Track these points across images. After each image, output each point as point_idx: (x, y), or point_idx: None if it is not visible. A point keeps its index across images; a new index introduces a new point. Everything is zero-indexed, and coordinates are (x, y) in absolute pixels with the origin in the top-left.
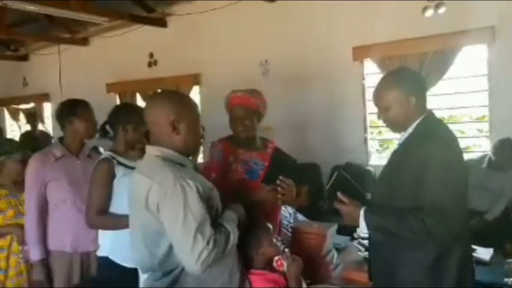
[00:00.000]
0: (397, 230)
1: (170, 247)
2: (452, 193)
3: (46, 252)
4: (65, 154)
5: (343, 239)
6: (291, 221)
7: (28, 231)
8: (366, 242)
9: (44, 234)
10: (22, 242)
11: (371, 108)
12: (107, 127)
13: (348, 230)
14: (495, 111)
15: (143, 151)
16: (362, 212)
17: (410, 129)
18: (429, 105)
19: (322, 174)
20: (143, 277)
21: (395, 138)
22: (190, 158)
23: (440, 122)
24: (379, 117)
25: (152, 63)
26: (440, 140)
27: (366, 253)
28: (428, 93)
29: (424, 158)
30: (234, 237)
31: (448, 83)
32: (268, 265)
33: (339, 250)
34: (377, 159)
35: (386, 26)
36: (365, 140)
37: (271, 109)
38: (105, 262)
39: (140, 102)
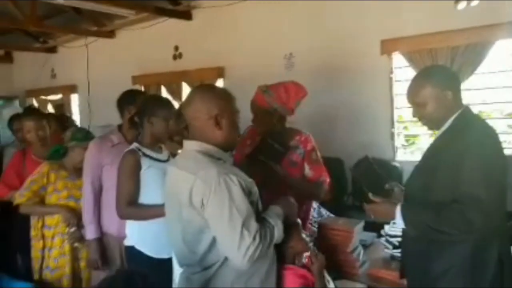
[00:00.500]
0: (435, 223)
1: (212, 244)
2: (491, 184)
3: (101, 232)
4: (121, 142)
5: (369, 236)
6: (315, 215)
7: (85, 211)
8: (393, 239)
9: (99, 215)
10: (69, 224)
11: (399, 102)
12: (136, 118)
13: (374, 227)
14: None
15: (180, 144)
16: (398, 208)
17: (446, 124)
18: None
19: (346, 169)
20: (178, 271)
21: (422, 134)
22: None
23: (477, 117)
24: (414, 115)
25: (177, 56)
26: (478, 133)
27: (394, 250)
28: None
29: (462, 150)
30: (278, 232)
31: (479, 78)
32: (296, 261)
33: (365, 247)
34: (403, 154)
35: (415, 19)
36: (392, 135)
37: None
38: (132, 252)
39: (165, 94)
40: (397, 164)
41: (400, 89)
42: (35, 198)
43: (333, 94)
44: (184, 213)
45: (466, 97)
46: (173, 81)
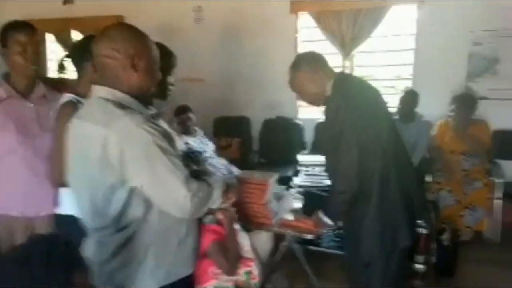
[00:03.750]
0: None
1: (126, 202)
2: (354, 148)
3: None
4: (11, 95)
5: (280, 188)
6: (225, 172)
7: None
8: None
9: None
10: None
11: None
12: (72, 62)
13: (284, 179)
14: (418, 71)
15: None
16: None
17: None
18: (358, 62)
19: (252, 128)
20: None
21: None
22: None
23: (346, 81)
24: (299, 99)
25: (67, 1)
26: (345, 102)
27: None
28: (358, 50)
29: (335, 121)
30: (217, 195)
31: (375, 41)
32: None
33: (278, 198)
34: (305, 113)
35: None
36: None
37: (203, 59)
38: (68, 220)
39: (54, 44)
40: (299, 122)
41: (304, 50)
42: None
43: (241, 51)
44: (94, 172)
45: (364, 60)
46: (62, 29)
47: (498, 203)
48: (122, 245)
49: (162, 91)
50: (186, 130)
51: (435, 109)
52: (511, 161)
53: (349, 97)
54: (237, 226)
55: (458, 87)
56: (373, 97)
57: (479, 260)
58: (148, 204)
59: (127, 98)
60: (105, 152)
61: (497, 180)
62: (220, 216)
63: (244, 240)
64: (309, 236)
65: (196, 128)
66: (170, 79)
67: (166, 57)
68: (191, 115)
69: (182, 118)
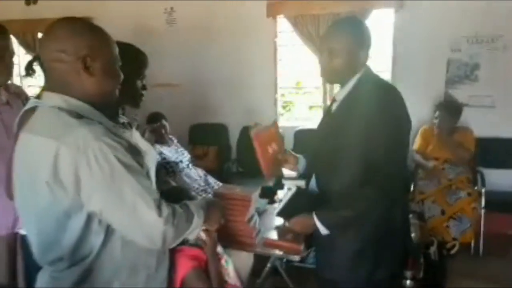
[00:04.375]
0: (353, 218)
1: (84, 230)
2: (399, 158)
3: None
4: None
5: (262, 203)
6: (202, 183)
7: None
8: None
9: None
10: None
11: (282, 67)
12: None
13: (266, 192)
14: (397, 76)
15: None
16: (315, 216)
17: (350, 83)
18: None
19: (230, 136)
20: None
21: (298, 101)
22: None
23: (379, 78)
24: (322, 63)
25: (30, 1)
26: (384, 101)
27: None
28: None
29: (370, 120)
30: (198, 221)
31: None
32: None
33: (259, 214)
34: (284, 121)
35: None
36: (275, 101)
37: (177, 63)
38: None
39: (16, 46)
40: (280, 130)
41: (284, 55)
42: None
43: (217, 55)
44: (43, 193)
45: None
46: (25, 31)
47: (480, 212)
48: (80, 280)
49: (133, 97)
50: (160, 139)
51: (414, 115)
52: (491, 169)
53: (389, 113)
54: (219, 249)
55: (438, 94)
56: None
57: (465, 273)
58: (109, 231)
59: (84, 106)
60: (56, 171)
61: (478, 189)
62: (202, 237)
63: (227, 265)
64: (296, 258)
65: (171, 136)
66: (142, 82)
67: (136, 58)
68: (165, 123)
69: (155, 126)
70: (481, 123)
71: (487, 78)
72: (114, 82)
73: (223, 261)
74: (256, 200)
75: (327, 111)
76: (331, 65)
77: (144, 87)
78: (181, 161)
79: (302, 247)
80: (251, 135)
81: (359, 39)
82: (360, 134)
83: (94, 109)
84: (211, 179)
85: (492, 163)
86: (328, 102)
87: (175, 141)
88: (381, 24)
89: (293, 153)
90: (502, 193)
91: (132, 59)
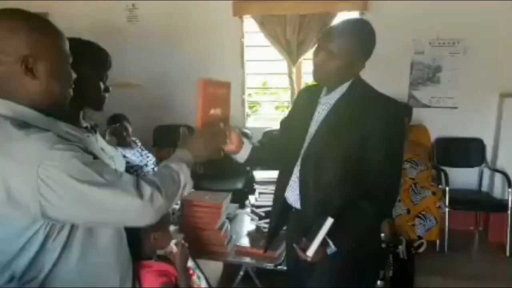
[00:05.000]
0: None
1: (40, 249)
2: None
3: None
4: None
5: (232, 208)
6: None
7: None
8: (259, 210)
9: None
10: None
11: (250, 68)
12: None
13: (235, 194)
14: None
15: None
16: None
17: (342, 88)
18: (305, 69)
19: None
20: None
21: (264, 101)
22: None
23: (372, 88)
24: (316, 60)
25: None
26: (389, 111)
27: (260, 221)
28: (305, 57)
29: (374, 130)
30: (185, 177)
31: None
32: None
33: (229, 219)
34: (252, 121)
35: None
36: (243, 101)
37: (139, 62)
38: None
39: None
40: (247, 131)
41: (250, 55)
42: None
43: (181, 54)
44: None
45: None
46: None
47: (445, 210)
48: None
49: (95, 99)
50: (122, 142)
51: None
52: (454, 168)
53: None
54: (190, 263)
55: (402, 95)
56: None
57: (432, 269)
58: (66, 246)
59: (30, 113)
60: (9, 190)
61: (441, 187)
62: (173, 250)
63: (200, 281)
64: (270, 265)
65: (134, 139)
66: (104, 84)
67: (98, 57)
68: (127, 124)
69: (115, 127)
70: (443, 124)
71: (449, 80)
72: (63, 84)
73: (194, 277)
74: (227, 207)
75: (307, 112)
76: (326, 68)
77: (106, 89)
78: (145, 165)
79: (277, 254)
80: (198, 85)
81: (363, 48)
82: (369, 147)
83: (44, 115)
84: None
85: (454, 162)
86: None
87: (139, 143)
88: None
89: (240, 133)
90: (463, 190)
91: (94, 58)
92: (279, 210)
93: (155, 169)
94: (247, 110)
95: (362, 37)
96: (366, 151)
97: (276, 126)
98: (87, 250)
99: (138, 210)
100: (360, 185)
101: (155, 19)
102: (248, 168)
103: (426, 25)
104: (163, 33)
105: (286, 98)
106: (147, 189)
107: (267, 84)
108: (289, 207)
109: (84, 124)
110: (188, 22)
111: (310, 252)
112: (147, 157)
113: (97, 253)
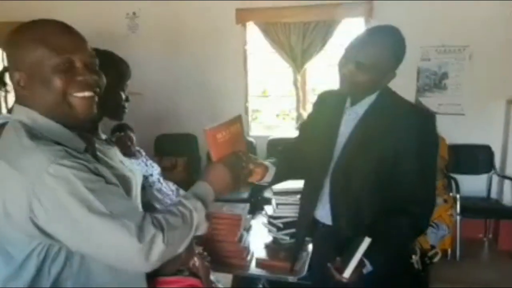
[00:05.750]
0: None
1: (36, 272)
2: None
3: None
4: None
5: (248, 219)
6: (174, 198)
7: None
8: (277, 221)
9: None
10: None
11: (253, 75)
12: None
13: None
14: None
15: None
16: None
17: (370, 99)
18: (310, 76)
19: (200, 146)
20: None
21: (265, 109)
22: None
23: (401, 98)
24: (345, 71)
25: None
26: (424, 125)
27: (278, 233)
28: (310, 63)
29: (411, 145)
30: (199, 217)
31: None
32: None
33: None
34: (254, 129)
35: None
36: (246, 109)
37: (141, 71)
38: None
39: None
40: (251, 139)
41: (253, 62)
42: None
43: (183, 63)
44: None
45: (320, 74)
46: None
47: (456, 218)
48: None
49: (115, 109)
50: (126, 152)
51: None
52: (462, 175)
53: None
54: (212, 277)
55: None
56: None
57: (445, 278)
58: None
59: (45, 124)
60: (3, 197)
61: (452, 195)
62: (195, 263)
63: None
64: (290, 279)
65: (138, 148)
66: (124, 93)
67: (118, 68)
68: (131, 134)
69: (120, 135)
70: (451, 131)
71: (455, 87)
72: (56, 96)
73: None
74: (246, 218)
75: (332, 122)
76: (355, 79)
77: (127, 99)
78: (151, 175)
79: (298, 267)
80: (206, 135)
81: (395, 59)
82: (402, 160)
83: (62, 126)
84: (183, 193)
85: (462, 169)
86: (301, 111)
87: (143, 153)
88: (351, 34)
89: (262, 161)
90: (472, 198)
91: (113, 69)
92: (307, 226)
93: (161, 179)
94: (250, 118)
95: (393, 46)
96: (400, 164)
97: (278, 134)
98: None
99: (131, 254)
100: (394, 199)
101: (156, 27)
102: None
103: (431, 32)
104: (164, 41)
105: (286, 106)
106: (150, 231)
107: (267, 92)
108: (316, 221)
109: (103, 136)
110: (190, 29)
111: (347, 273)
112: (152, 167)
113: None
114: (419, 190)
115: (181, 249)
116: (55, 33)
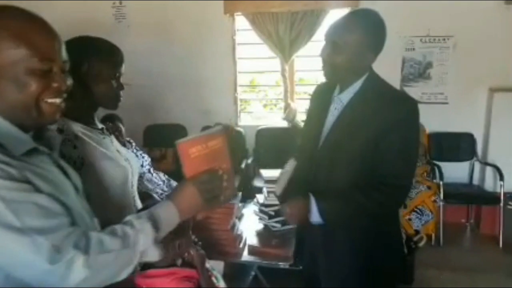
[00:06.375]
0: (362, 208)
1: None
2: (414, 163)
3: None
4: None
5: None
6: (165, 188)
7: None
8: (269, 209)
9: None
10: None
11: (241, 66)
12: None
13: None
14: None
15: None
16: (313, 202)
17: (356, 86)
18: (298, 66)
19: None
20: None
21: (253, 99)
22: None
23: (387, 83)
24: (323, 56)
25: None
26: (404, 106)
27: (270, 221)
28: (298, 53)
29: (394, 125)
30: (144, 239)
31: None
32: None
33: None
34: (247, 120)
35: None
36: (235, 99)
37: (129, 61)
38: None
39: None
40: (240, 129)
41: (241, 52)
42: None
43: (172, 53)
44: None
45: (303, 64)
46: None
47: (440, 204)
48: None
49: (110, 98)
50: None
51: None
52: (445, 162)
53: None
54: (208, 265)
55: None
56: None
57: (430, 263)
58: None
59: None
60: None
61: (436, 182)
62: (190, 252)
63: (218, 281)
64: (282, 265)
65: (128, 139)
66: (118, 81)
67: (109, 53)
68: (120, 124)
69: (108, 126)
70: (434, 119)
71: (439, 76)
72: (24, 95)
73: (213, 279)
74: (238, 207)
75: (320, 113)
76: (332, 62)
77: (121, 86)
78: (141, 165)
79: (291, 252)
80: (177, 148)
81: (370, 39)
82: (383, 145)
83: (10, 124)
84: (175, 183)
85: (445, 157)
86: (289, 101)
87: (134, 144)
88: None
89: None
90: (455, 184)
91: (106, 56)
92: None
93: (151, 170)
94: (239, 108)
95: (368, 26)
96: (380, 149)
97: (267, 124)
98: None
99: (43, 275)
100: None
101: (143, 16)
102: (242, 167)
103: (417, 22)
104: (152, 31)
105: (273, 96)
106: (68, 253)
107: (255, 82)
108: None
109: (100, 125)
110: (178, 19)
111: (278, 191)
112: (143, 157)
113: None
114: (399, 166)
115: (120, 275)
116: (37, 32)
